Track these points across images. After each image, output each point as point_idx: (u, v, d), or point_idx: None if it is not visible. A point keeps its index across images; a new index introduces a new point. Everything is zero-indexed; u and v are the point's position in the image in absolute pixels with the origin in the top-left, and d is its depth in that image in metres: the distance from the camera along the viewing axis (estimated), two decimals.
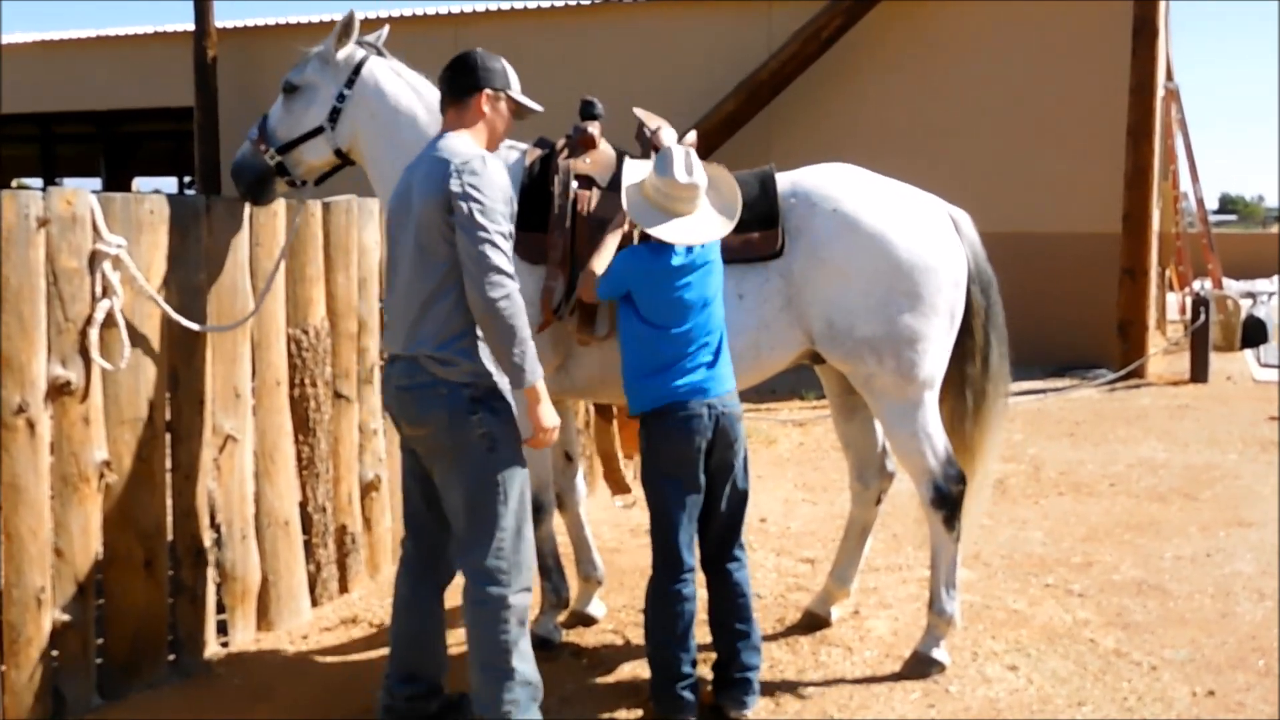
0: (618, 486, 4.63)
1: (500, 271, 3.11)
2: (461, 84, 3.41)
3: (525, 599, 3.28)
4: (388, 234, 3.46)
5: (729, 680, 3.70)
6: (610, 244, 3.77)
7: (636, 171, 3.73)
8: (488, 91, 3.42)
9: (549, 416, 3.23)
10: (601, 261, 3.72)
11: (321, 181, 4.33)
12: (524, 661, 3.27)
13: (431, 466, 3.31)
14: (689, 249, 3.61)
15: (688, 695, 3.62)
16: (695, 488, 3.63)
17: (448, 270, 3.18)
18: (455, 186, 3.14)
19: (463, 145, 3.29)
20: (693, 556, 3.66)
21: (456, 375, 3.19)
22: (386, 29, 4.40)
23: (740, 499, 3.74)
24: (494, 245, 3.12)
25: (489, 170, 3.20)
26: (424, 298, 3.21)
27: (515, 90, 3.50)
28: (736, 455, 3.68)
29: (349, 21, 4.10)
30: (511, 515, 3.24)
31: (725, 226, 3.66)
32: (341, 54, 4.13)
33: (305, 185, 4.24)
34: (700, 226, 3.61)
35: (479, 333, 3.22)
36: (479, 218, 3.13)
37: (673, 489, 3.62)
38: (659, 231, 3.55)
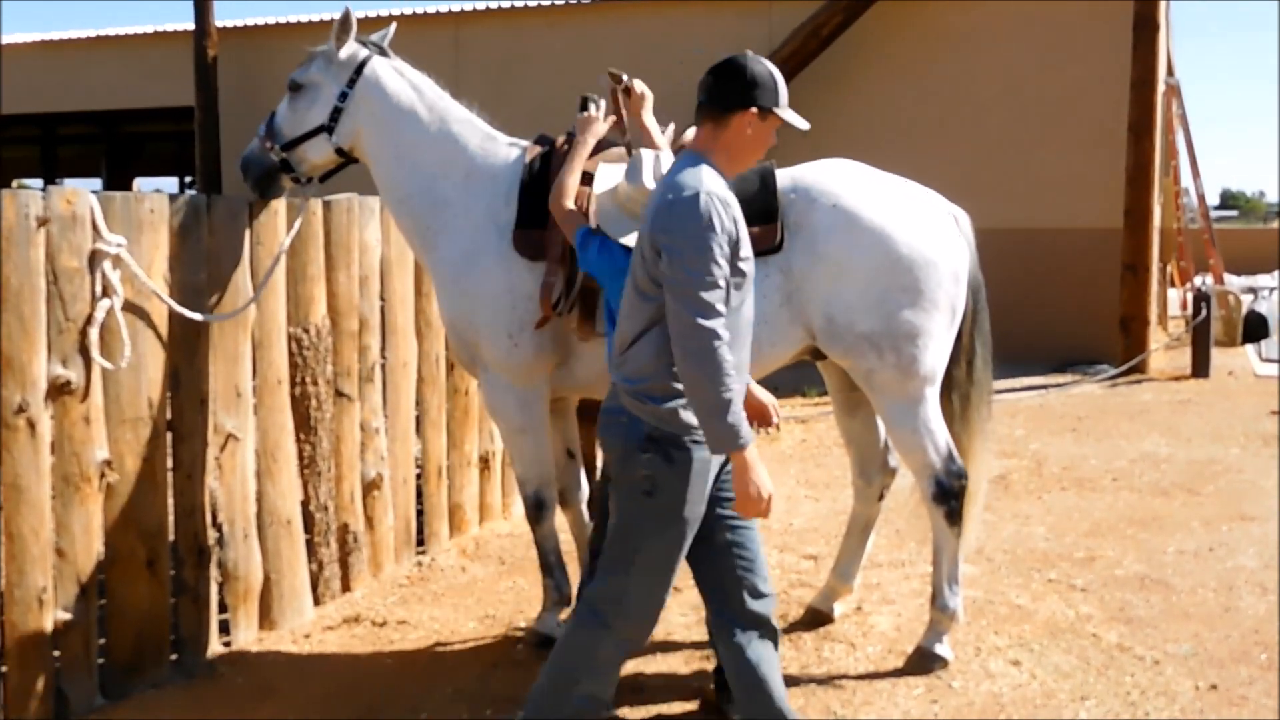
0: None
1: (700, 331, 2.78)
2: (724, 97, 2.96)
3: (621, 647, 3.12)
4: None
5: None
6: (578, 160, 3.74)
7: (609, 178, 3.65)
8: (754, 110, 2.96)
9: (763, 484, 2.85)
10: (571, 179, 3.68)
11: (327, 179, 4.36)
12: (583, 687, 3.13)
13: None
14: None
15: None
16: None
17: (656, 309, 2.92)
18: (659, 229, 2.86)
19: (691, 177, 2.90)
20: None
21: (641, 412, 2.96)
22: (392, 28, 4.41)
23: None
24: (695, 300, 2.79)
25: (701, 212, 2.81)
26: (634, 331, 2.98)
27: (784, 109, 3.01)
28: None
29: (346, 19, 4.11)
30: (640, 569, 3.03)
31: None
32: (344, 53, 4.14)
33: (310, 182, 4.28)
34: None
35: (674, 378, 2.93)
36: (679, 269, 2.81)
37: None
38: (628, 240, 3.37)
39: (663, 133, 3.97)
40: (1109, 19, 11.23)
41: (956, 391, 4.19)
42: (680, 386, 2.89)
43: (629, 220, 3.35)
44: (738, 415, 2.81)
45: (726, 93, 2.97)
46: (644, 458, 2.94)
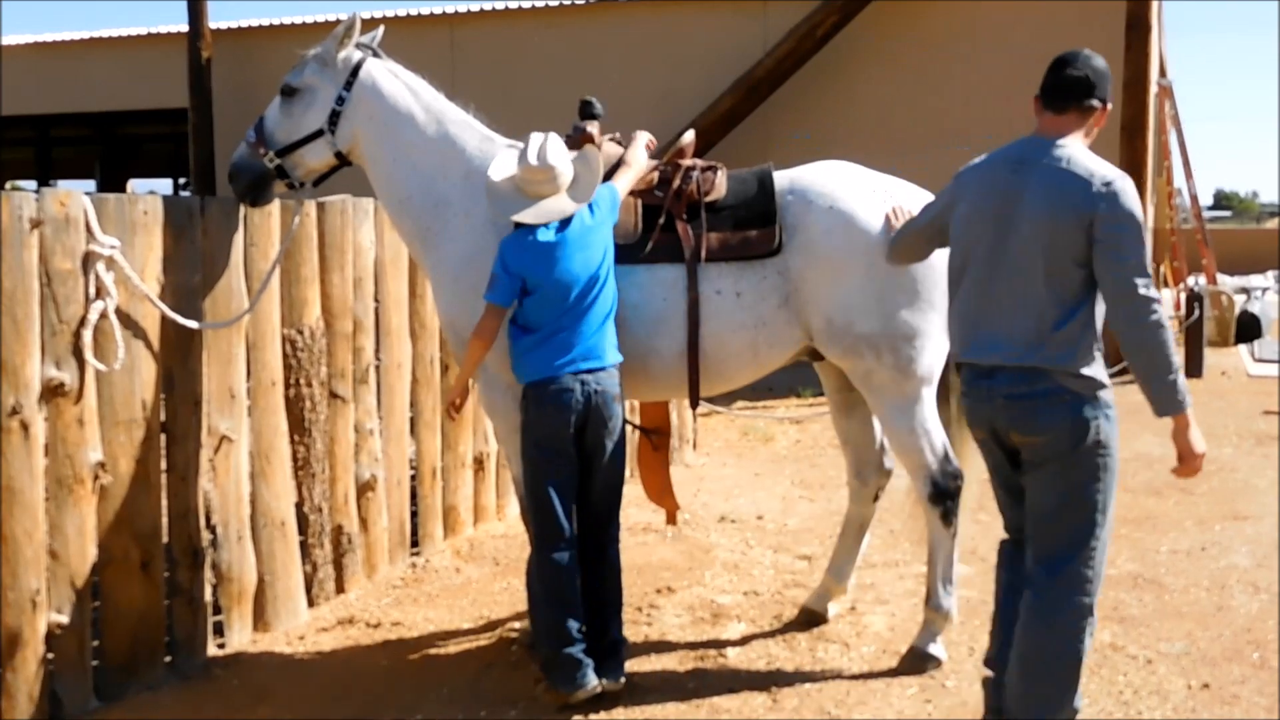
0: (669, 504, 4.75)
1: (1154, 301, 3.03)
2: (1099, 91, 3.24)
3: (1092, 625, 3.22)
4: (958, 223, 3.31)
5: (602, 650, 3.78)
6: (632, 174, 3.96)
7: (506, 164, 3.84)
8: (1108, 107, 3.30)
9: (1199, 442, 3.10)
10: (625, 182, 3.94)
11: (320, 182, 4.35)
12: (1081, 673, 3.24)
13: (1032, 471, 3.22)
14: (560, 228, 3.69)
15: (583, 658, 3.69)
16: (567, 460, 3.72)
17: (1078, 288, 3.10)
18: (1105, 211, 3.04)
19: (1093, 162, 3.13)
20: (570, 527, 3.74)
21: (1081, 387, 3.12)
22: (381, 30, 4.41)
23: (614, 478, 3.83)
24: (1145, 274, 3.04)
25: (1132, 192, 3.09)
26: (1053, 315, 3.10)
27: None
28: (610, 434, 3.75)
29: (351, 24, 4.12)
30: (1105, 527, 3.20)
31: (572, 206, 3.73)
32: (339, 56, 4.14)
33: (304, 187, 4.26)
34: (554, 206, 3.70)
35: (1097, 347, 3.16)
36: (1130, 245, 3.03)
37: (545, 461, 3.73)
38: (517, 216, 3.70)
39: (679, 139, 4.15)
40: (1101, 19, 11.26)
41: (953, 394, 4.16)
42: (1098, 351, 3.16)
43: (520, 199, 3.72)
44: (1182, 379, 3.09)
45: (1107, 87, 3.29)
46: (1095, 424, 3.13)
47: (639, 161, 4.04)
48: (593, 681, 3.70)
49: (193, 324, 4.02)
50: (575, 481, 3.76)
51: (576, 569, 3.74)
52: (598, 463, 3.77)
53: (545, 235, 3.69)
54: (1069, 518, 3.17)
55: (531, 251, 3.68)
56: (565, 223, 3.71)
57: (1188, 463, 3.12)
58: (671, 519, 4.91)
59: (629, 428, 4.71)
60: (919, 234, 3.60)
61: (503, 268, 3.72)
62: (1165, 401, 3.07)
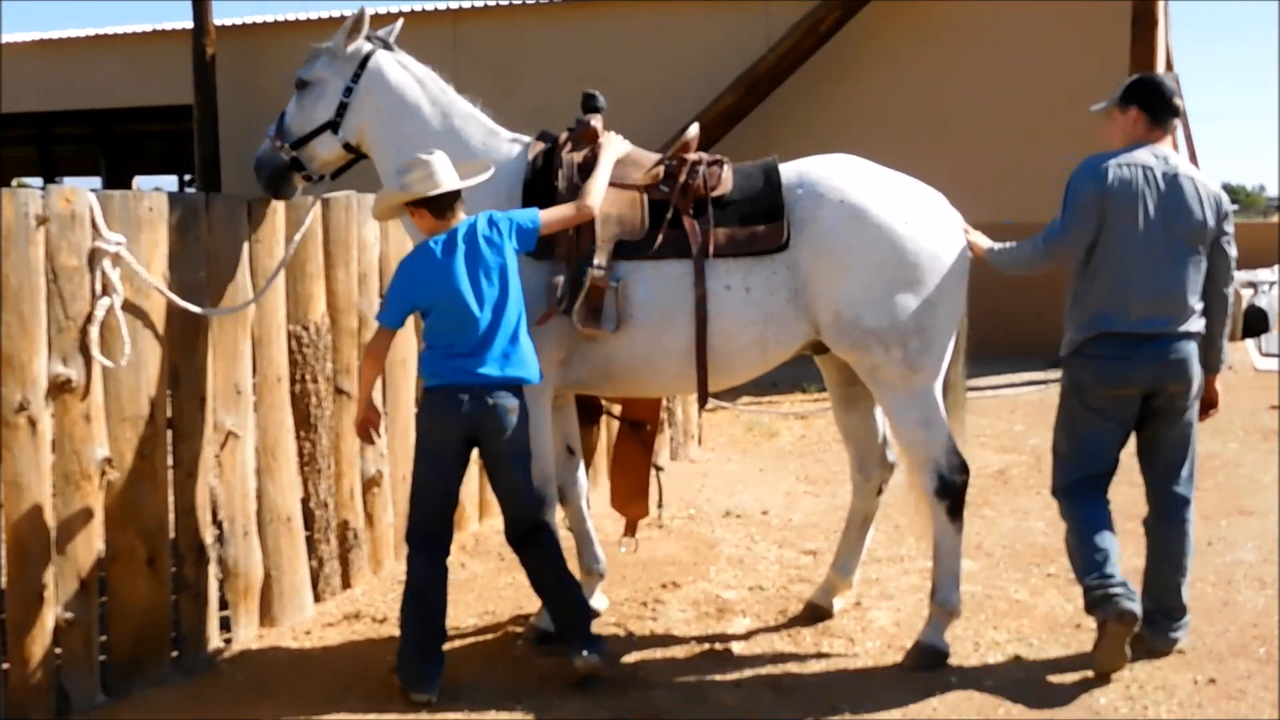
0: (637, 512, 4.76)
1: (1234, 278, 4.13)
2: (1177, 110, 4.13)
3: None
4: (1111, 210, 3.95)
5: (569, 636, 3.89)
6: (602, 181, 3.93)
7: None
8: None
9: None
10: (596, 194, 3.90)
11: (339, 175, 4.38)
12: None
13: (1164, 416, 4.06)
14: (450, 252, 3.73)
15: (423, 662, 3.79)
16: (447, 466, 3.83)
17: (1203, 267, 4.00)
18: (1225, 207, 4.03)
19: (1201, 175, 4.04)
20: (436, 529, 3.85)
21: (1195, 341, 4.02)
22: (399, 24, 4.43)
23: (512, 486, 3.87)
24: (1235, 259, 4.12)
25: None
26: (1194, 290, 3.98)
27: None
28: (506, 445, 3.80)
29: (359, 18, 4.14)
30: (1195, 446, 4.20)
31: (450, 184, 3.78)
32: (349, 49, 4.16)
33: (321, 179, 4.31)
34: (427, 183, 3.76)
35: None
36: (1232, 235, 4.07)
37: (424, 463, 3.85)
38: (399, 187, 3.77)
39: (683, 134, 4.17)
40: (1108, 14, 11.23)
41: (950, 390, 4.23)
42: (1199, 311, 4.02)
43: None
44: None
45: (1179, 107, 4.17)
46: (1198, 371, 4.04)
47: (601, 175, 3.96)
48: (426, 696, 3.76)
49: (198, 309, 4.02)
50: (452, 488, 3.88)
51: (436, 572, 3.85)
52: (495, 475, 3.90)
53: (435, 259, 3.74)
54: (1187, 448, 4.13)
55: (423, 274, 3.75)
56: (453, 247, 3.74)
57: (1213, 406, 4.22)
58: (631, 530, 4.81)
59: (615, 421, 4.70)
60: (1080, 235, 4.05)
61: (395, 290, 3.83)
62: (1220, 359, 4.15)
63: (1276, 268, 18.91)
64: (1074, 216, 4.01)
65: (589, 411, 4.72)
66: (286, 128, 4.20)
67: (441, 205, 3.78)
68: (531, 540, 3.92)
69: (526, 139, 4.22)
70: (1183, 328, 3.96)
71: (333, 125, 4.16)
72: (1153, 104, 4.02)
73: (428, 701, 3.75)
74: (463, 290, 3.71)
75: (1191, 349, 3.98)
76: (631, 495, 4.72)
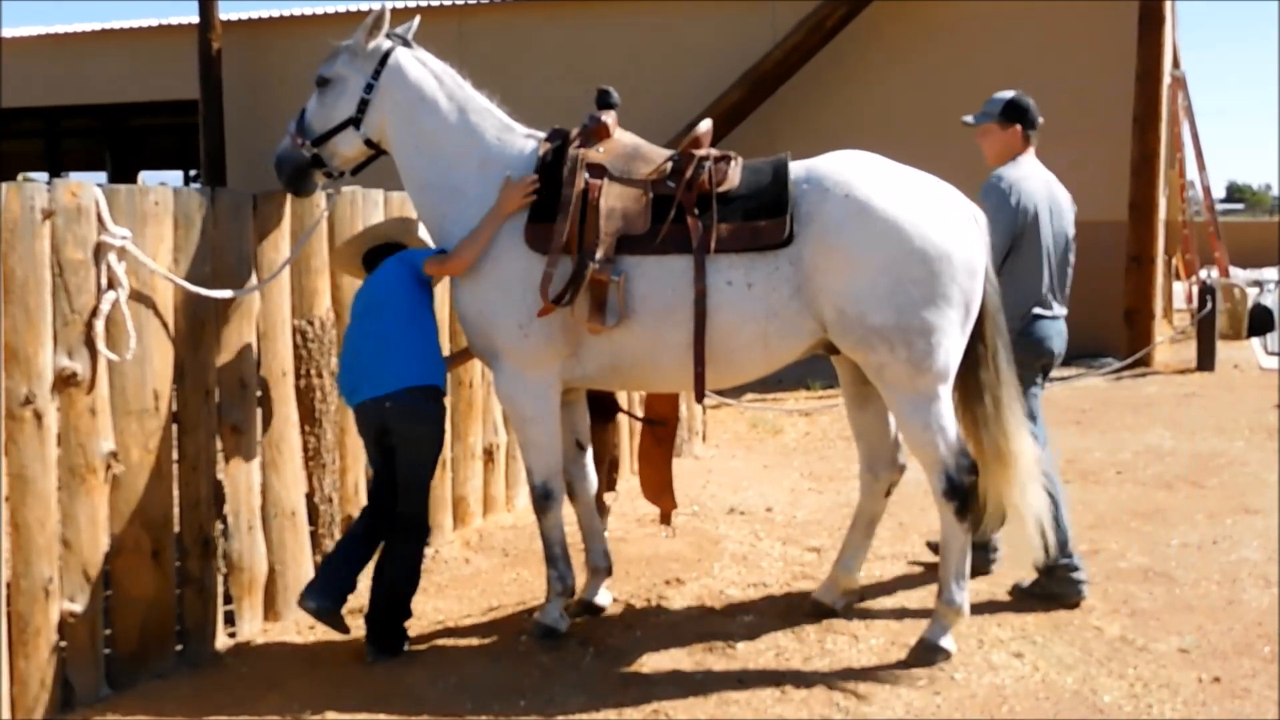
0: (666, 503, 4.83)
1: None
2: (1035, 120, 4.76)
3: None
4: (1032, 218, 4.56)
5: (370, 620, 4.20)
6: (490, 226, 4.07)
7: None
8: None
9: None
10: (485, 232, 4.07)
11: (359, 171, 4.42)
12: None
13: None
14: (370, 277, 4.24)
15: (322, 600, 4.12)
16: (375, 465, 4.27)
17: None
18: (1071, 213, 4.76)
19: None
20: (364, 516, 4.28)
21: None
22: (417, 20, 4.46)
23: (407, 484, 4.15)
24: None
25: None
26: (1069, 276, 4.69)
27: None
28: (400, 447, 4.13)
29: (380, 15, 4.17)
30: None
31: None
32: (369, 46, 4.20)
33: (342, 176, 4.36)
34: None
35: None
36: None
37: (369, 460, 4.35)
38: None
39: (692, 130, 4.18)
40: (1114, 11, 11.22)
41: (988, 394, 4.06)
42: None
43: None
44: None
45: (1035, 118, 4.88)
46: None
47: (482, 231, 4.04)
48: (315, 604, 4.09)
49: (207, 292, 4.02)
50: (378, 482, 4.25)
51: (356, 549, 4.22)
52: (398, 464, 4.16)
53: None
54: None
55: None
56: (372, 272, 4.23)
57: None
58: (665, 519, 4.89)
59: (631, 420, 4.73)
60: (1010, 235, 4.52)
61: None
62: None
63: None
64: (1003, 219, 4.50)
65: (603, 408, 4.73)
66: (308, 125, 4.22)
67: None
68: (398, 543, 4.22)
69: (541, 134, 4.23)
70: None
71: (355, 121, 4.20)
72: (1030, 122, 4.75)
73: (315, 610, 4.08)
74: (357, 311, 4.26)
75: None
76: (660, 488, 4.79)
